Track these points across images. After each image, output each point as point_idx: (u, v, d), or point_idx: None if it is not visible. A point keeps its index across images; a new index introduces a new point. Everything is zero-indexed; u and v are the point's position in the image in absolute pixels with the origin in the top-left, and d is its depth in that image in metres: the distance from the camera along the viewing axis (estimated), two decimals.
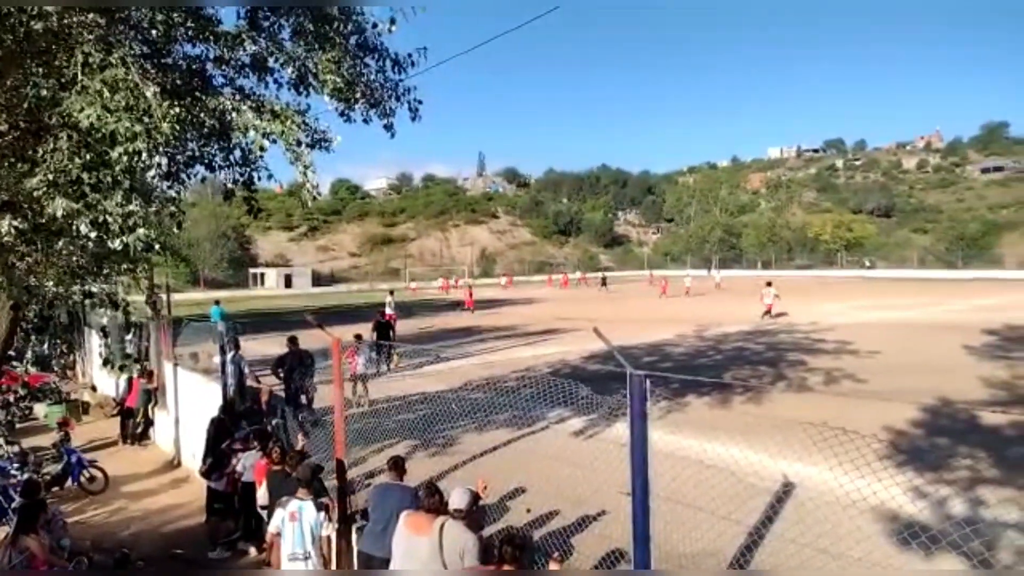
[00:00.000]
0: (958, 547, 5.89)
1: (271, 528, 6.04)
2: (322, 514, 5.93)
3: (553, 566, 4.29)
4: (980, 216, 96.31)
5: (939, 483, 8.42)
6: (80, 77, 5.26)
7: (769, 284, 30.48)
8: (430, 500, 5.25)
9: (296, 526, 5.85)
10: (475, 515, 5.14)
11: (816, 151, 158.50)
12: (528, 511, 8.01)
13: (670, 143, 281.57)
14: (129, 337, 12.34)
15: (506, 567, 4.10)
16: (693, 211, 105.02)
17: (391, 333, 19.96)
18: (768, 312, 29.47)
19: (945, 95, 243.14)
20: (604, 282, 59.56)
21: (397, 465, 6.22)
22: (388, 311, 27.31)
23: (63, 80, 5.69)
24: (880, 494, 5.21)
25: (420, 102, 7.58)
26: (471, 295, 39.70)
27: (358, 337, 15.01)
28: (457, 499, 4.99)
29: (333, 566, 6.57)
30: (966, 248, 79.00)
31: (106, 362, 11.60)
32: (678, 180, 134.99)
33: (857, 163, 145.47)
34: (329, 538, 6.06)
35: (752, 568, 6.46)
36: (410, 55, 7.23)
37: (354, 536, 6.78)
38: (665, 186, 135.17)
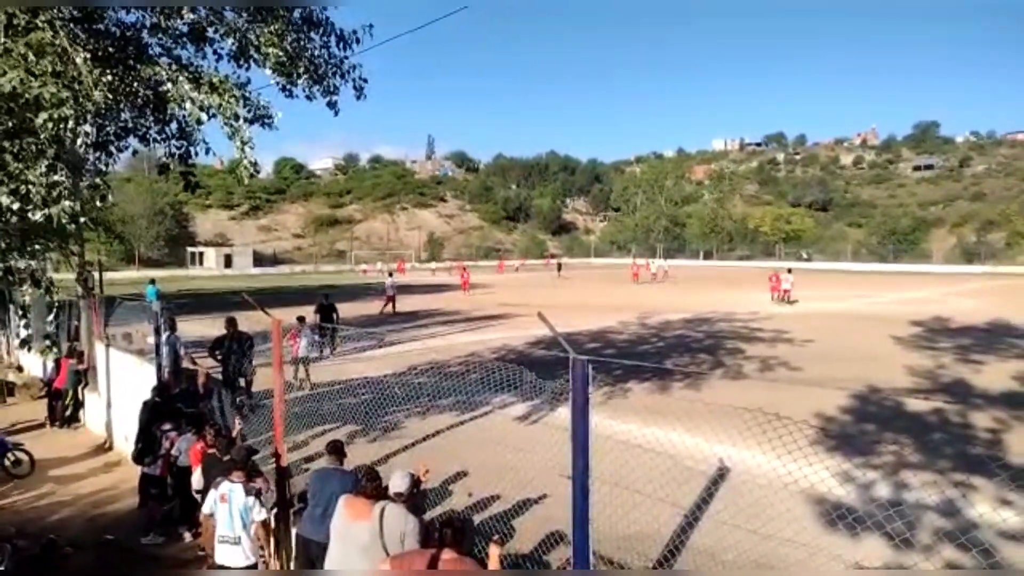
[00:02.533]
0: (882, 528, 6.15)
1: (204, 509, 5.92)
2: (251, 499, 5.78)
3: (494, 549, 4.30)
4: (911, 212, 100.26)
5: (866, 467, 8.77)
6: (3, 40, 4.96)
7: (789, 271, 32.47)
8: (370, 485, 5.19)
9: (226, 508, 5.72)
10: (415, 498, 5.11)
11: (758, 145, 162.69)
12: (470, 495, 8.03)
13: (618, 132, 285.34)
14: (50, 318, 11.73)
15: (445, 550, 4.09)
16: (639, 200, 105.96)
17: (334, 316, 19.71)
18: (785, 297, 31.25)
19: (882, 94, 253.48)
20: (559, 268, 62.66)
21: (337, 449, 6.13)
22: (389, 292, 28.82)
23: None
24: (810, 477, 5.38)
25: (365, 80, 7.45)
26: (467, 277, 40.87)
27: (300, 319, 14.75)
28: (397, 482, 4.95)
29: (271, 550, 6.46)
30: (897, 242, 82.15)
31: (23, 343, 10.99)
32: (625, 169, 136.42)
33: (797, 157, 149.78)
34: (266, 522, 5.94)
35: (688, 549, 6.61)
36: (355, 32, 7.07)
37: (292, 520, 6.68)
38: (612, 175, 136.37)
